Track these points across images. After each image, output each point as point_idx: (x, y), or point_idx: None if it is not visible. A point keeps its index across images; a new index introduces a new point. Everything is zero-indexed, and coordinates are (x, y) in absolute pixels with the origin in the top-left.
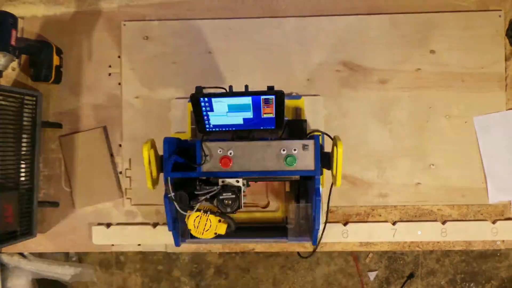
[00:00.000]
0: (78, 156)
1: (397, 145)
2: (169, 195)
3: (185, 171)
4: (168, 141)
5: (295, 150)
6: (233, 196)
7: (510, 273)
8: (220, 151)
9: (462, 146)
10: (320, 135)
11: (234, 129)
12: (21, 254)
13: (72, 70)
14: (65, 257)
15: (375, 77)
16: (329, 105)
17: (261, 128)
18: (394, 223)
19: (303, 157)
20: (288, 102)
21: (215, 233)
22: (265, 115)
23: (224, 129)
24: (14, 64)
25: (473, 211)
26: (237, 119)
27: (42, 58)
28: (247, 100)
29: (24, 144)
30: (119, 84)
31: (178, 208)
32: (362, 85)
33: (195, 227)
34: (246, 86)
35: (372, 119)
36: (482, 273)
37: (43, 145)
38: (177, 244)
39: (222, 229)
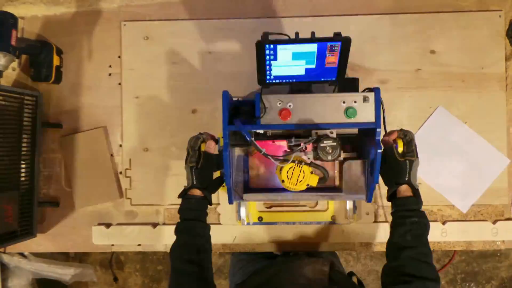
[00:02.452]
0: (78, 156)
1: None
2: (262, 152)
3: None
4: (225, 96)
5: (355, 102)
6: (334, 143)
7: (510, 273)
8: (279, 103)
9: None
10: (376, 88)
11: (294, 80)
12: (22, 254)
13: (72, 70)
14: (65, 257)
15: (375, 77)
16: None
17: (322, 79)
18: None
19: (363, 109)
20: None
21: (307, 185)
22: (328, 65)
23: (284, 80)
24: (14, 64)
25: (473, 212)
26: (299, 69)
27: (42, 58)
28: (313, 47)
29: (24, 144)
30: (119, 84)
31: (272, 159)
32: (362, 86)
33: (288, 178)
34: (313, 33)
35: None
36: (483, 273)
37: (43, 145)
38: (231, 201)
39: (314, 180)
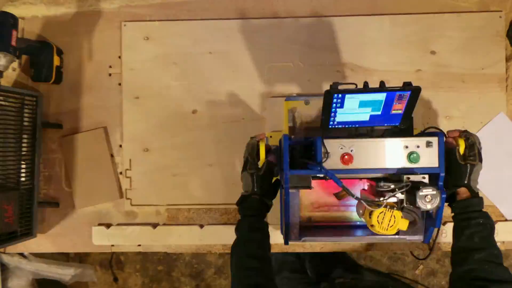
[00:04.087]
0: (78, 156)
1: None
2: (355, 196)
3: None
4: (286, 139)
5: (418, 147)
6: (434, 192)
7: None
8: (341, 148)
9: None
10: (439, 131)
11: (357, 126)
12: (22, 255)
13: (73, 70)
14: (65, 258)
15: (375, 78)
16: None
17: (385, 124)
18: None
19: (426, 154)
20: None
21: (398, 229)
22: (393, 112)
23: (347, 126)
24: (15, 64)
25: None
26: (363, 116)
27: (42, 59)
28: (381, 96)
29: (24, 145)
30: (119, 84)
31: (366, 205)
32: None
33: (379, 222)
34: (383, 82)
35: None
36: None
37: (44, 146)
38: (286, 242)
39: (404, 225)
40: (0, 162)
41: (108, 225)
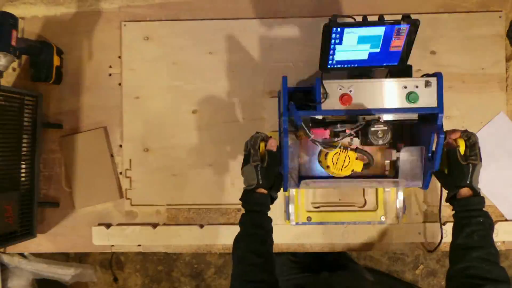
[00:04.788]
0: (78, 156)
1: None
2: (311, 138)
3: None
4: (285, 81)
5: (417, 87)
6: (385, 127)
7: (511, 273)
8: (340, 88)
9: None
10: (438, 73)
11: (356, 65)
12: (22, 255)
13: (73, 70)
14: (65, 258)
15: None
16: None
17: (384, 64)
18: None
19: (425, 94)
20: None
21: (352, 170)
22: (392, 49)
23: (346, 65)
24: (15, 64)
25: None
26: (362, 54)
27: (42, 59)
28: (380, 30)
29: (24, 145)
30: (120, 84)
31: (319, 145)
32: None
33: (333, 163)
34: (382, 16)
35: None
36: None
37: (44, 146)
38: (285, 189)
39: (359, 166)
40: (0, 162)
41: (108, 225)
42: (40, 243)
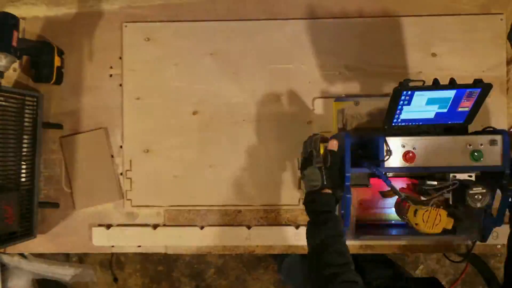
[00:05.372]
0: (78, 157)
1: None
2: (403, 197)
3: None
4: (348, 137)
5: (481, 145)
6: (484, 190)
7: None
8: (403, 146)
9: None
10: (502, 130)
11: (420, 123)
12: (22, 255)
13: (73, 71)
14: (66, 258)
15: (376, 80)
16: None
17: (449, 122)
18: None
19: (489, 152)
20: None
21: (444, 228)
22: (460, 109)
23: (410, 123)
24: (15, 65)
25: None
26: (429, 113)
27: (43, 59)
28: (450, 93)
29: (24, 145)
30: (120, 85)
31: (412, 204)
32: (364, 87)
33: (424, 221)
34: (453, 79)
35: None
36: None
37: (44, 146)
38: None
39: (449, 224)
40: (0, 162)
41: (108, 226)
42: (40, 243)
